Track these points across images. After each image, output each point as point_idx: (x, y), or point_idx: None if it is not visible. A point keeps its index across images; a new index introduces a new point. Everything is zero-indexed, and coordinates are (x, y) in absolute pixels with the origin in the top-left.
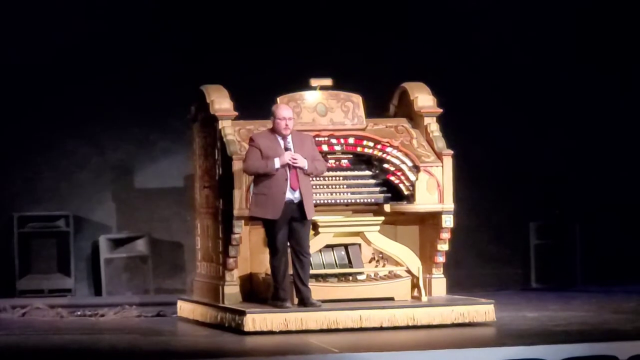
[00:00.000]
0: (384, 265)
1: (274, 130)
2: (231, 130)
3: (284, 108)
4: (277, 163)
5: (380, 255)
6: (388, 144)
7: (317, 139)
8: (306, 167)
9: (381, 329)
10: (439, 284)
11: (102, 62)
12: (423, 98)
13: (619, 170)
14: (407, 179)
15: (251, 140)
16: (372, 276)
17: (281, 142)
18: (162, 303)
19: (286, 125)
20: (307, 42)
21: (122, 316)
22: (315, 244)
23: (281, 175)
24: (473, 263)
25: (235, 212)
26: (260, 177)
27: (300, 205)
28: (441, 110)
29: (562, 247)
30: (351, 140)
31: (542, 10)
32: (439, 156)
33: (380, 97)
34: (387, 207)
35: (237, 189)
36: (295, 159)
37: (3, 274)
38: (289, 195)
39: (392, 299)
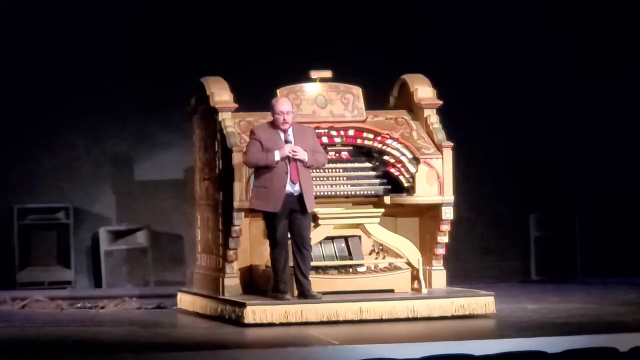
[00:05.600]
0: (384, 257)
1: (273, 123)
2: (231, 122)
3: (282, 102)
4: (277, 155)
5: (380, 247)
6: (388, 136)
7: (317, 131)
8: (306, 160)
9: (381, 321)
10: (439, 276)
11: (102, 54)
12: (423, 90)
13: (618, 162)
14: (407, 170)
15: (252, 132)
16: (372, 268)
17: (281, 134)
18: (162, 295)
19: (284, 119)
20: (307, 34)
21: (122, 308)
22: (315, 236)
23: (281, 168)
24: (473, 255)
25: (236, 204)
26: (260, 170)
27: (300, 198)
28: (441, 102)
29: (562, 239)
30: (351, 132)
31: (545, 3)
32: (439, 148)
33: (380, 89)
34: (387, 199)
35: (237, 181)
36: (295, 152)
37: (3, 266)
38: (289, 188)
39: (392, 291)
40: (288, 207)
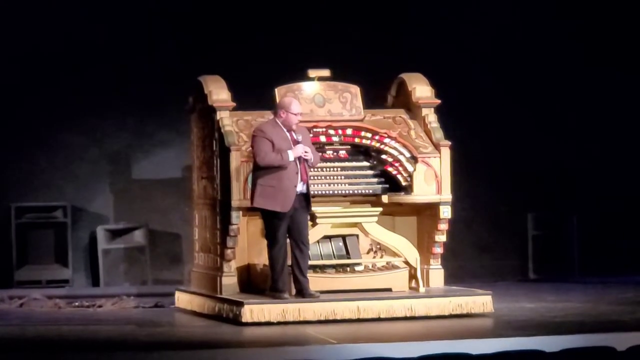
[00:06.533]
0: (381, 256)
1: (278, 122)
2: (229, 121)
3: (297, 103)
4: (292, 156)
5: (378, 246)
6: (386, 135)
7: (315, 129)
8: (313, 160)
9: (379, 319)
10: (437, 274)
11: (100, 53)
12: (421, 89)
13: (617, 162)
14: (405, 169)
15: (260, 131)
16: (370, 267)
17: (287, 134)
18: (160, 294)
19: (299, 120)
20: (305, 33)
21: (120, 307)
22: (313, 234)
23: (292, 168)
24: (471, 254)
25: (233, 203)
26: (266, 169)
27: (304, 196)
28: (439, 101)
29: (560, 238)
30: (349, 131)
31: (544, 3)
32: (437, 147)
33: (378, 88)
34: (384, 198)
35: (235, 180)
36: (307, 152)
37: (1, 265)
38: (299, 187)
39: (389, 290)
40: (294, 206)
